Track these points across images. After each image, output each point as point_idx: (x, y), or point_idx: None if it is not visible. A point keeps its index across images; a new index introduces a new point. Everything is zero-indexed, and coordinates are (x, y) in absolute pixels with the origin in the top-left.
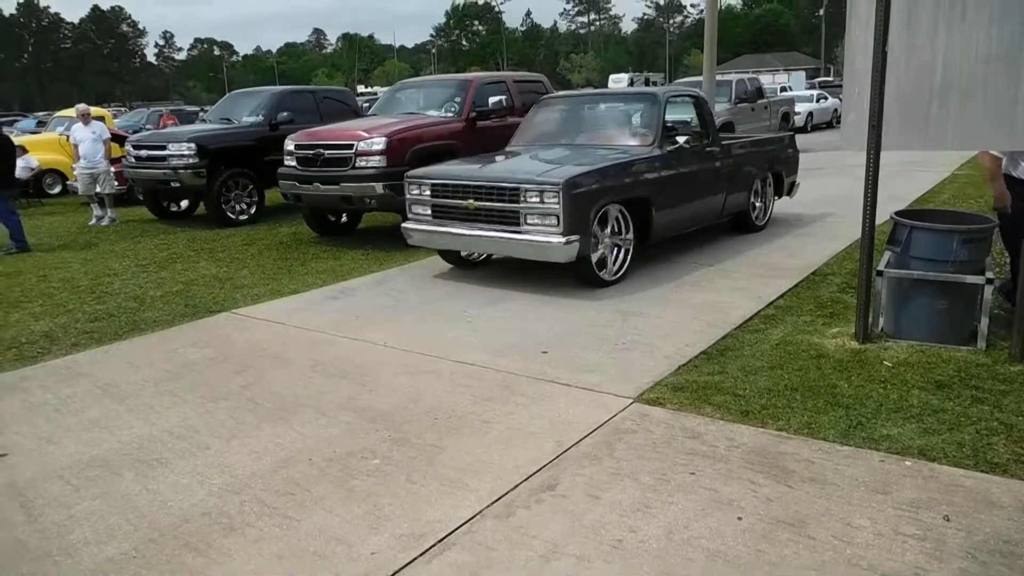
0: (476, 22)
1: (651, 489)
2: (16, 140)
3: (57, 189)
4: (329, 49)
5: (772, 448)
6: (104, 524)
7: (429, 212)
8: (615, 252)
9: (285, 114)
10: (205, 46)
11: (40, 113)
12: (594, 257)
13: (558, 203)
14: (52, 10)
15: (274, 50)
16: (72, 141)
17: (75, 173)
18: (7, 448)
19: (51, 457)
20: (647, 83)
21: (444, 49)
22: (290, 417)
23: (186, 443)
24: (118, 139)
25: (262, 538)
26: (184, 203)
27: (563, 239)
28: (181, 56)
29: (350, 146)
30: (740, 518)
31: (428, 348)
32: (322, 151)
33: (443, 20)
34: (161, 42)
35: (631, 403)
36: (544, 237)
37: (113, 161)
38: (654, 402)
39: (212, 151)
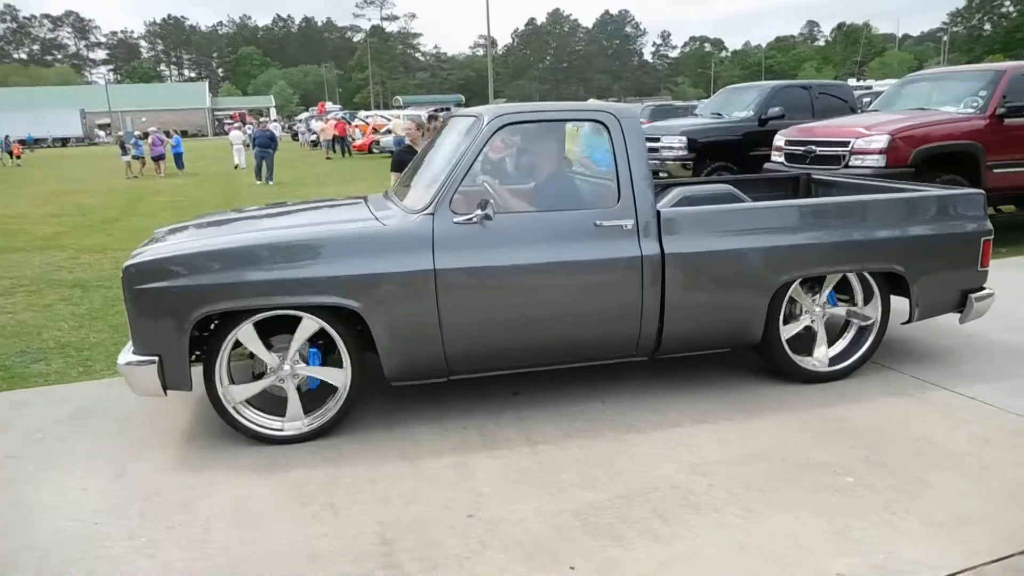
0: (1006, 1)
1: None
2: None
3: None
4: (821, 41)
5: None
6: (588, 472)
7: None
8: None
9: (776, 109)
10: (697, 43)
11: None
12: (233, 395)
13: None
14: (572, 17)
15: (763, 45)
16: None
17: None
18: (519, 387)
19: (550, 402)
20: None
21: (960, 36)
22: (761, 412)
23: (658, 416)
24: None
25: (725, 524)
26: None
27: (127, 359)
28: (674, 54)
29: (845, 143)
30: None
31: (920, 371)
32: (813, 148)
33: (963, 4)
34: (659, 41)
35: None
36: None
37: None
38: None
39: (701, 144)
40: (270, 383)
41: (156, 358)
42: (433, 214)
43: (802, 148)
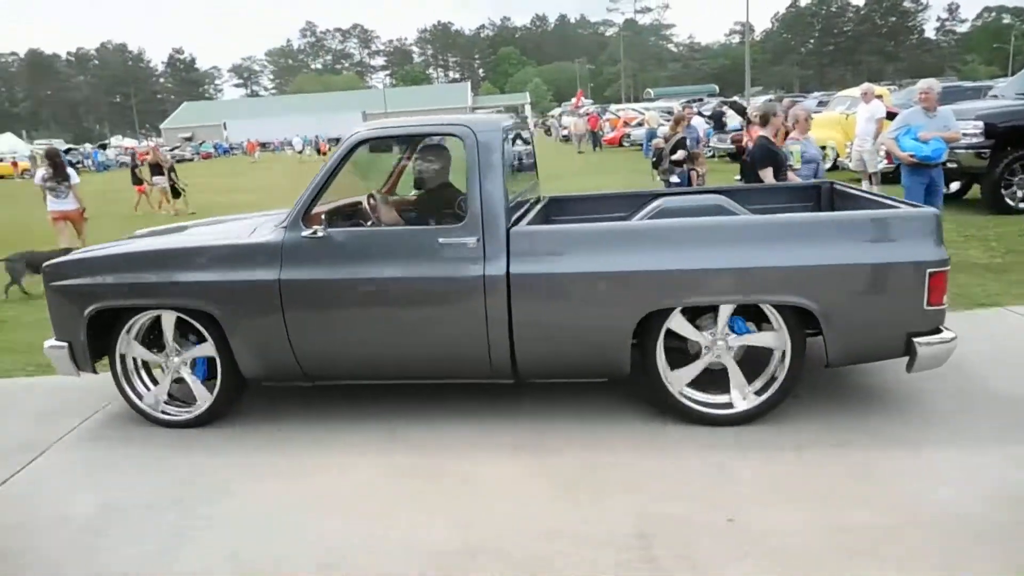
0: None
1: None
2: None
3: (827, 164)
4: None
5: None
6: (857, 488)
7: None
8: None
9: None
10: (992, 15)
11: (816, 94)
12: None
13: None
14: None
15: None
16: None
17: (847, 151)
18: None
19: (820, 407)
20: None
21: None
22: None
23: (936, 433)
24: (892, 116)
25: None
26: (954, 185)
27: (49, 344)
28: (963, 28)
29: None
30: None
31: None
32: None
33: None
34: (944, 15)
35: None
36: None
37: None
38: None
39: (1001, 130)
40: (167, 369)
41: (67, 344)
42: (286, 228)
43: None
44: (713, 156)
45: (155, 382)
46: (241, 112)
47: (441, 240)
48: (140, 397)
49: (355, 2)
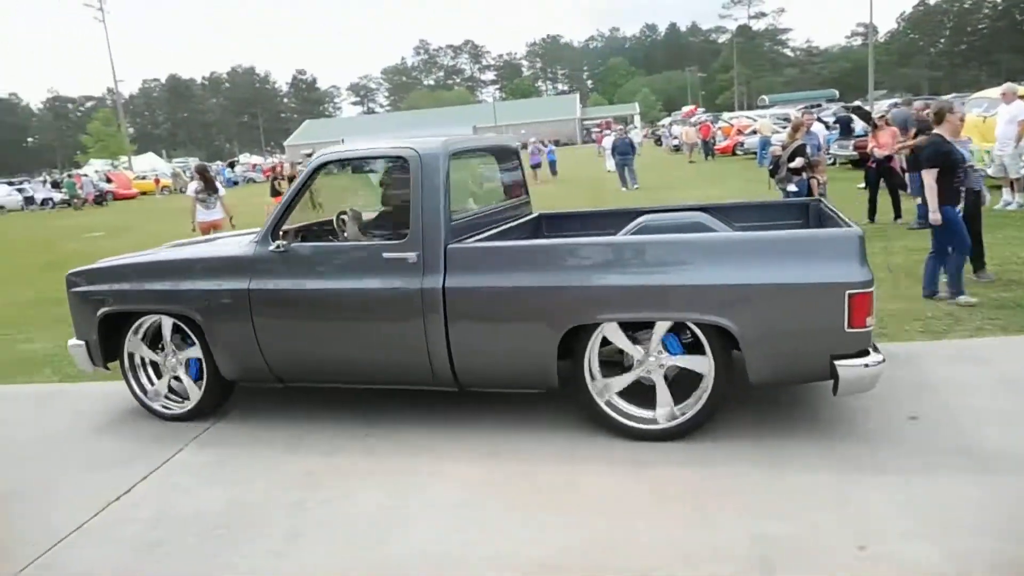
0: None
1: None
2: None
3: None
4: None
5: None
6: (990, 517)
7: None
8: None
9: None
10: None
11: (948, 96)
12: (143, 386)
13: None
14: None
15: None
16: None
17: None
18: (918, 411)
19: (959, 429)
20: None
21: None
22: None
23: None
24: None
25: None
26: None
27: (72, 342)
28: None
29: None
30: None
31: None
32: None
33: None
34: None
35: None
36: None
37: None
38: None
39: None
40: (167, 371)
41: (84, 343)
42: (257, 243)
43: None
44: (834, 163)
45: (160, 378)
46: (358, 129)
47: (385, 255)
48: (144, 392)
49: (466, 19)
